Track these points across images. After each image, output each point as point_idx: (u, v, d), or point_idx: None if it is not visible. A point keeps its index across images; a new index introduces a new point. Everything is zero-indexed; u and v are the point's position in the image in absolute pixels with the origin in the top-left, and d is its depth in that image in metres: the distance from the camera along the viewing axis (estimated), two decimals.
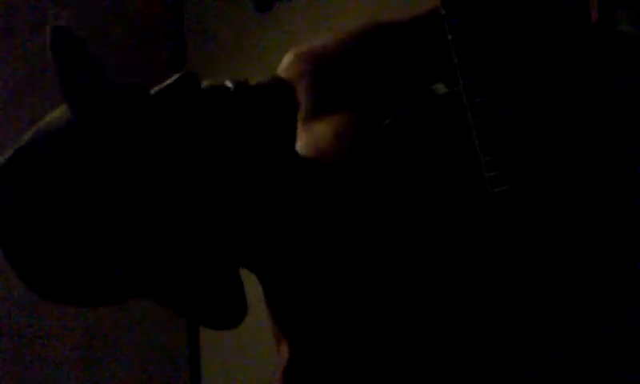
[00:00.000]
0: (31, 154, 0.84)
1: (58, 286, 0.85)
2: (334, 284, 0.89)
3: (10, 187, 0.83)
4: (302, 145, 0.98)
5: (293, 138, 0.91)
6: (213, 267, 0.88)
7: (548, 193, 0.78)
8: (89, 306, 0.89)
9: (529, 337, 0.79)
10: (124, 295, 0.88)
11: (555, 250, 0.78)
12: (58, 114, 0.86)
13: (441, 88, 0.96)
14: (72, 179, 0.81)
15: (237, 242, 0.89)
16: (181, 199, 0.84)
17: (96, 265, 0.83)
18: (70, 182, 0.81)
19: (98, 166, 0.81)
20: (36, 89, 2.53)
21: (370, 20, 1.09)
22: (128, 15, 2.85)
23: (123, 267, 0.84)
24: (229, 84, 0.88)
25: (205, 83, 0.88)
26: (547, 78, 0.77)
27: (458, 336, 0.82)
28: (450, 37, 0.78)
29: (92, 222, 0.81)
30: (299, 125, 1.02)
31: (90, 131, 0.82)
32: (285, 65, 1.07)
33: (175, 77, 0.87)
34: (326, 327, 0.88)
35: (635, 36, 0.80)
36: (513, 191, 0.78)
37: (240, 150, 0.87)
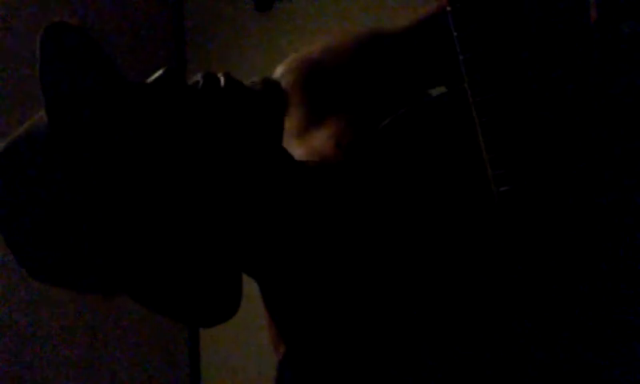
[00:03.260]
0: (11, 156, 0.84)
1: (50, 272, 0.86)
2: (334, 288, 0.89)
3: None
4: (299, 155, 0.98)
5: (279, 135, 0.91)
6: (208, 267, 0.88)
7: (550, 192, 0.78)
8: (73, 290, 0.89)
9: (529, 337, 0.79)
10: (108, 288, 0.87)
11: (556, 249, 0.78)
12: (39, 118, 0.86)
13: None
14: (52, 181, 0.81)
15: (234, 244, 0.89)
16: (166, 199, 0.83)
17: (79, 256, 0.83)
18: (51, 183, 0.81)
19: (81, 168, 0.81)
20: (36, 88, 2.52)
21: (364, 29, 1.09)
22: (128, 15, 2.85)
23: (107, 259, 0.83)
24: (221, 80, 0.87)
25: (194, 78, 0.88)
26: (549, 77, 0.78)
27: (458, 338, 0.82)
28: (455, 33, 0.78)
29: (76, 222, 0.81)
30: (295, 135, 1.01)
31: (69, 135, 0.81)
32: (277, 75, 1.07)
33: (156, 74, 0.87)
34: (323, 330, 0.88)
35: (635, 36, 0.80)
36: (516, 190, 0.78)
37: (227, 146, 0.86)
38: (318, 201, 0.92)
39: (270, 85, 0.90)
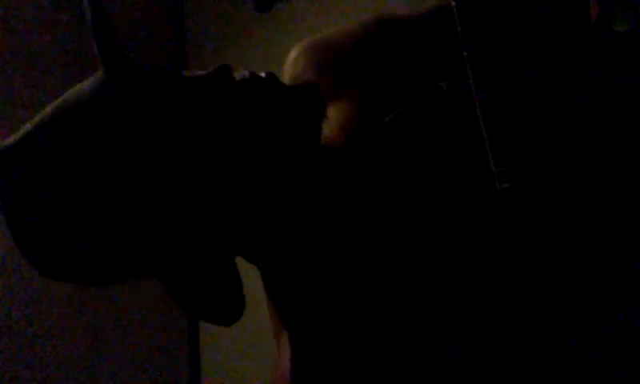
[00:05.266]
0: (58, 124, 0.84)
1: (66, 258, 0.84)
2: (336, 273, 0.89)
3: (35, 156, 0.83)
4: None
5: (317, 140, 0.92)
6: (213, 256, 0.88)
7: (551, 191, 0.78)
8: (92, 284, 0.89)
9: (529, 336, 0.79)
10: (126, 274, 0.88)
11: (557, 248, 0.78)
12: (87, 86, 0.86)
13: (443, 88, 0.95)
14: (97, 152, 0.82)
15: (239, 227, 0.89)
16: (196, 183, 0.84)
17: (105, 240, 0.83)
18: (96, 154, 0.82)
19: (124, 141, 0.81)
20: (36, 88, 2.53)
21: (379, 13, 1.09)
22: (128, 15, 2.85)
23: (130, 243, 0.84)
24: (262, 74, 0.89)
25: (238, 74, 0.89)
26: (550, 75, 0.77)
27: (460, 332, 0.82)
28: (460, 29, 0.77)
29: (111, 196, 0.82)
30: None
31: (123, 108, 0.82)
32: (292, 58, 1.08)
33: (212, 69, 0.88)
34: (328, 316, 0.88)
35: (634, 35, 0.80)
36: (517, 188, 0.78)
37: (264, 143, 0.87)
38: (319, 186, 0.92)
39: (311, 89, 0.92)
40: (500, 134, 0.78)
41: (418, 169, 0.89)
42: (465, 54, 0.78)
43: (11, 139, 0.86)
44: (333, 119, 0.99)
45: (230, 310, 0.89)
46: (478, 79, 0.78)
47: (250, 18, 2.77)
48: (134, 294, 2.70)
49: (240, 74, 0.90)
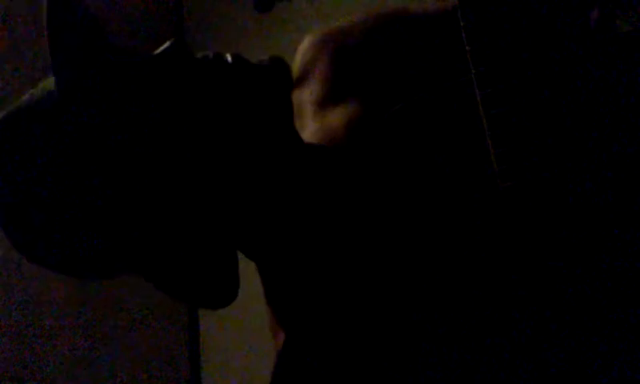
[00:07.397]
0: (14, 125, 0.83)
1: (46, 253, 0.84)
2: (334, 272, 0.89)
3: None
4: (313, 130, 0.97)
5: (288, 115, 0.90)
6: (208, 247, 0.87)
7: (552, 189, 0.78)
8: (74, 276, 0.88)
9: (529, 337, 0.79)
10: (109, 270, 0.86)
11: (557, 246, 0.78)
12: (46, 84, 0.85)
13: None
14: (54, 152, 0.80)
15: (235, 223, 0.88)
16: (170, 174, 0.83)
17: (79, 237, 0.82)
18: (52, 155, 0.80)
19: (81, 138, 0.80)
20: None
21: (391, 7, 1.07)
22: (127, 15, 2.85)
23: (107, 240, 0.82)
24: (228, 57, 0.88)
25: (200, 53, 0.88)
26: (552, 71, 0.77)
27: (456, 333, 0.82)
28: (462, 24, 0.77)
29: (76, 195, 0.80)
30: (312, 110, 1.01)
31: (75, 102, 0.80)
32: (303, 48, 1.06)
33: (164, 46, 0.87)
34: (322, 316, 0.88)
35: (634, 35, 0.80)
36: (519, 186, 0.78)
37: (234, 124, 0.86)
38: (320, 183, 0.92)
39: (278, 62, 0.90)
40: (502, 131, 0.78)
41: (418, 165, 0.89)
42: (467, 48, 0.77)
43: None
44: (338, 115, 0.98)
45: (223, 292, 0.88)
46: (479, 75, 0.77)
47: (250, 18, 2.77)
48: (134, 293, 2.69)
49: (201, 53, 0.89)
